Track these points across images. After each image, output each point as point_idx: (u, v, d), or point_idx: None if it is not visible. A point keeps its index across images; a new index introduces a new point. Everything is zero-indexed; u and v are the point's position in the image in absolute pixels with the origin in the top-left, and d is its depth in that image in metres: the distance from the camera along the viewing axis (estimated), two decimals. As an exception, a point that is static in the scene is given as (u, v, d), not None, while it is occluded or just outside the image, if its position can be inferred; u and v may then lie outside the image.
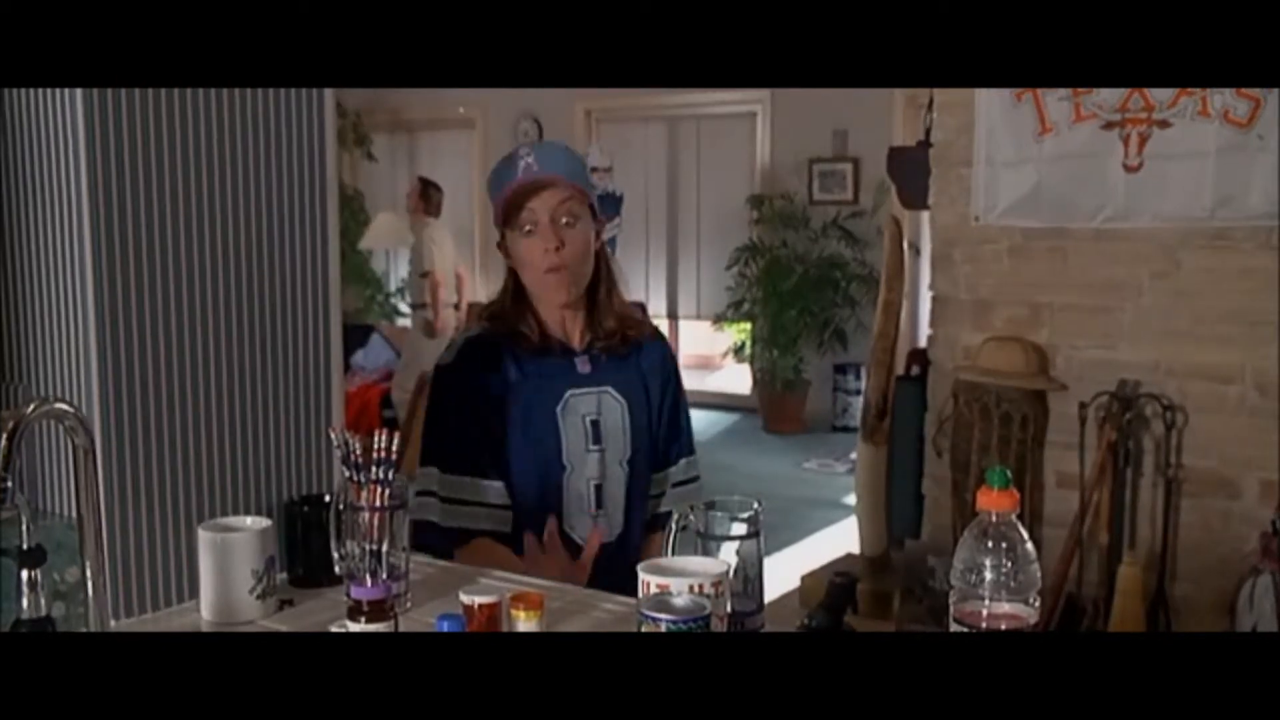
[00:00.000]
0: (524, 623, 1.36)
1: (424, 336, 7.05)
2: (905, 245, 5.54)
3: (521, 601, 1.37)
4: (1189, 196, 3.26)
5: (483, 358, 1.88)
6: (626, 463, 1.92)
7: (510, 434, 1.88)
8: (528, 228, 1.83)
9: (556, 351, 1.90)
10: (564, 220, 1.83)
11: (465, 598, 1.40)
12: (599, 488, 1.89)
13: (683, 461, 2.03)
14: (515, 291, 1.91)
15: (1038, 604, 1.10)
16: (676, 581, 1.25)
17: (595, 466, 1.89)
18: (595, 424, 1.90)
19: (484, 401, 1.87)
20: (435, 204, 7.27)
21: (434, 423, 1.93)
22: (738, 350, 8.18)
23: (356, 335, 7.75)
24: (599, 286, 1.92)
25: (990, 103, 3.58)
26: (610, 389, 1.92)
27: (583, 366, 1.92)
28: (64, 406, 1.30)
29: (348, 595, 1.45)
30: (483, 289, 8.90)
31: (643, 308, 2.09)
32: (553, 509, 1.84)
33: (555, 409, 1.88)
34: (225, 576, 1.48)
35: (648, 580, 1.27)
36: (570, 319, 1.91)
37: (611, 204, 7.76)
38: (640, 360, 1.97)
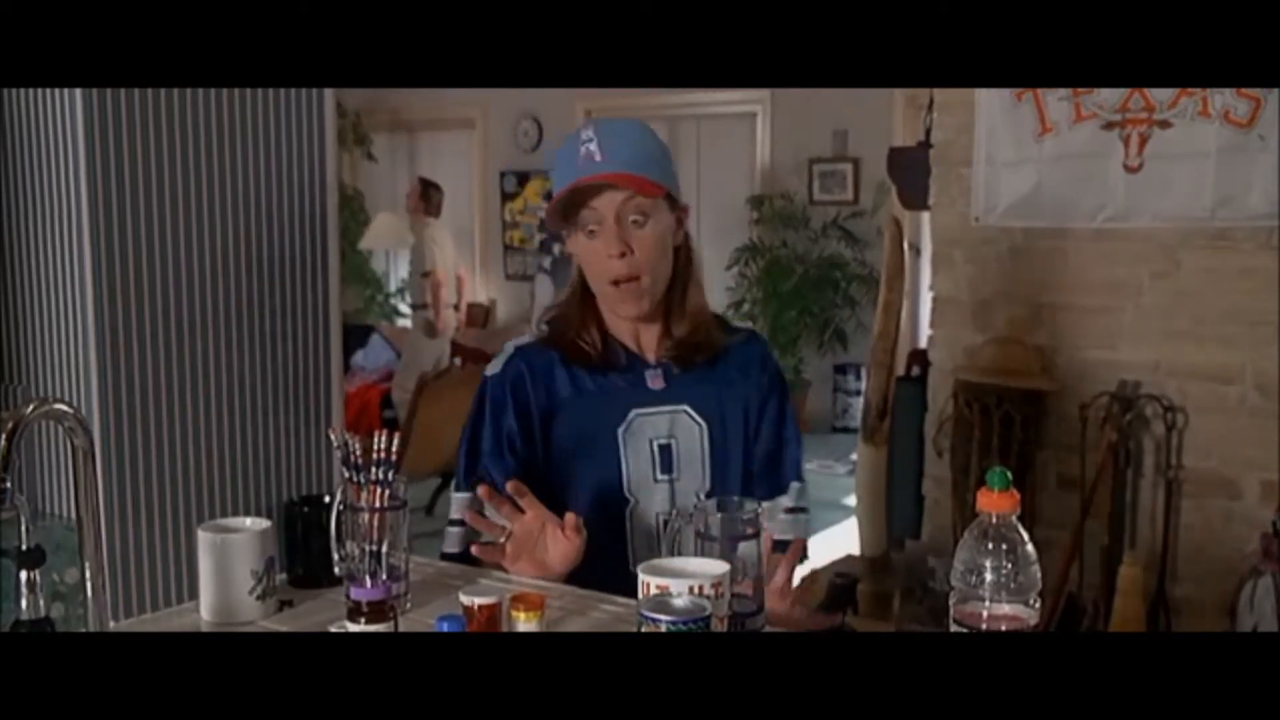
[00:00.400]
0: (524, 623, 1.35)
1: (425, 337, 7.06)
2: (905, 245, 5.55)
3: (521, 602, 1.37)
4: (1189, 197, 3.26)
5: (532, 368, 1.66)
6: (703, 495, 1.64)
7: (563, 459, 1.65)
8: (590, 228, 1.59)
9: (622, 365, 1.66)
10: (632, 219, 1.57)
11: (465, 598, 1.40)
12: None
13: (794, 487, 1.71)
14: (583, 293, 1.66)
15: (1038, 605, 1.10)
16: (676, 582, 1.25)
17: (665, 499, 1.64)
18: (665, 449, 1.65)
19: (531, 419, 1.65)
20: (435, 204, 7.28)
21: (471, 439, 1.68)
22: (738, 350, 8.17)
23: (356, 335, 7.75)
24: (677, 286, 1.66)
25: (990, 103, 3.57)
26: (687, 408, 1.66)
27: (654, 382, 1.66)
28: (63, 407, 1.30)
29: (347, 596, 1.45)
30: (483, 290, 8.91)
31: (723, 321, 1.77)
32: (616, 548, 1.61)
33: (617, 430, 1.64)
34: (225, 577, 1.48)
35: (647, 581, 1.26)
36: (643, 328, 1.67)
37: (612, 204, 7.76)
38: (729, 369, 1.69)
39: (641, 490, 1.63)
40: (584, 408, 1.65)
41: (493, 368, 1.69)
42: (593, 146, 1.56)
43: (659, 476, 1.65)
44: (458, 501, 1.67)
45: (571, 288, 1.69)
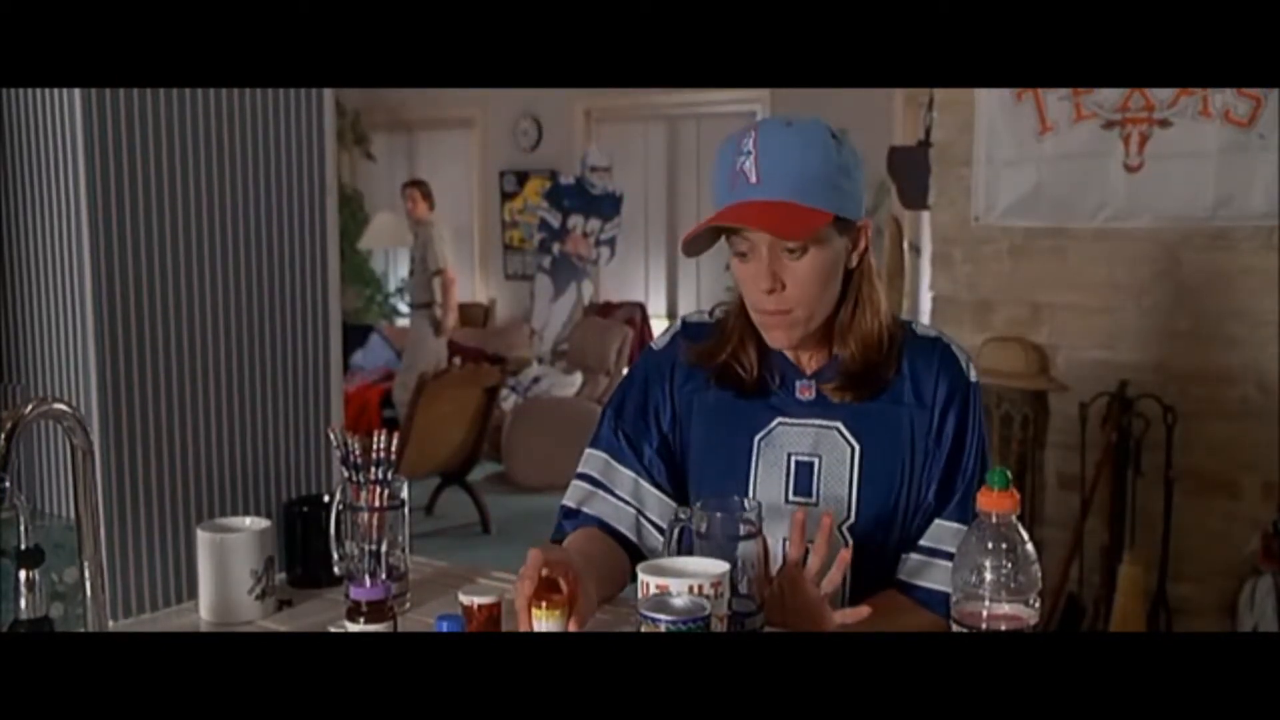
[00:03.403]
0: (545, 622, 1.31)
1: (431, 335, 7.05)
2: (905, 245, 5.54)
3: (543, 599, 1.32)
4: (1190, 196, 3.26)
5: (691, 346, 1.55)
6: (846, 529, 1.45)
7: (696, 456, 1.54)
8: (742, 250, 1.42)
9: (773, 380, 1.50)
10: (787, 248, 1.39)
11: (465, 598, 1.40)
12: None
13: (948, 527, 1.45)
14: (743, 303, 1.49)
15: (1038, 605, 1.10)
16: (676, 582, 1.24)
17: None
18: (805, 468, 1.46)
19: (676, 402, 1.54)
20: (433, 202, 7.31)
21: (619, 405, 1.57)
22: (738, 350, 8.16)
23: (356, 335, 7.75)
24: (846, 309, 1.46)
25: (990, 102, 3.57)
26: (840, 425, 1.46)
27: (804, 392, 1.48)
28: (62, 407, 1.30)
29: (347, 596, 1.44)
30: (482, 290, 8.90)
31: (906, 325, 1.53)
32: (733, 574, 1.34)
33: (755, 437, 1.48)
34: (224, 577, 1.48)
35: (647, 581, 1.26)
36: (801, 349, 1.50)
37: (611, 204, 7.77)
38: (901, 384, 1.47)
39: (768, 513, 1.39)
40: (725, 405, 1.51)
41: (658, 341, 1.59)
42: (749, 164, 1.37)
43: (792, 498, 1.46)
44: (589, 457, 1.57)
45: (738, 297, 1.51)
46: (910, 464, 1.46)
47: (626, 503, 1.55)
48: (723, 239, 1.44)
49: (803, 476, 1.46)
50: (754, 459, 1.48)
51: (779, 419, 1.48)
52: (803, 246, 1.39)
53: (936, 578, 1.45)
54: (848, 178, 1.43)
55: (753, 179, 1.37)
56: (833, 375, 1.48)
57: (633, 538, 1.55)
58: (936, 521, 1.47)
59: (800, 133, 1.40)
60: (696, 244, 1.44)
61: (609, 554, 1.52)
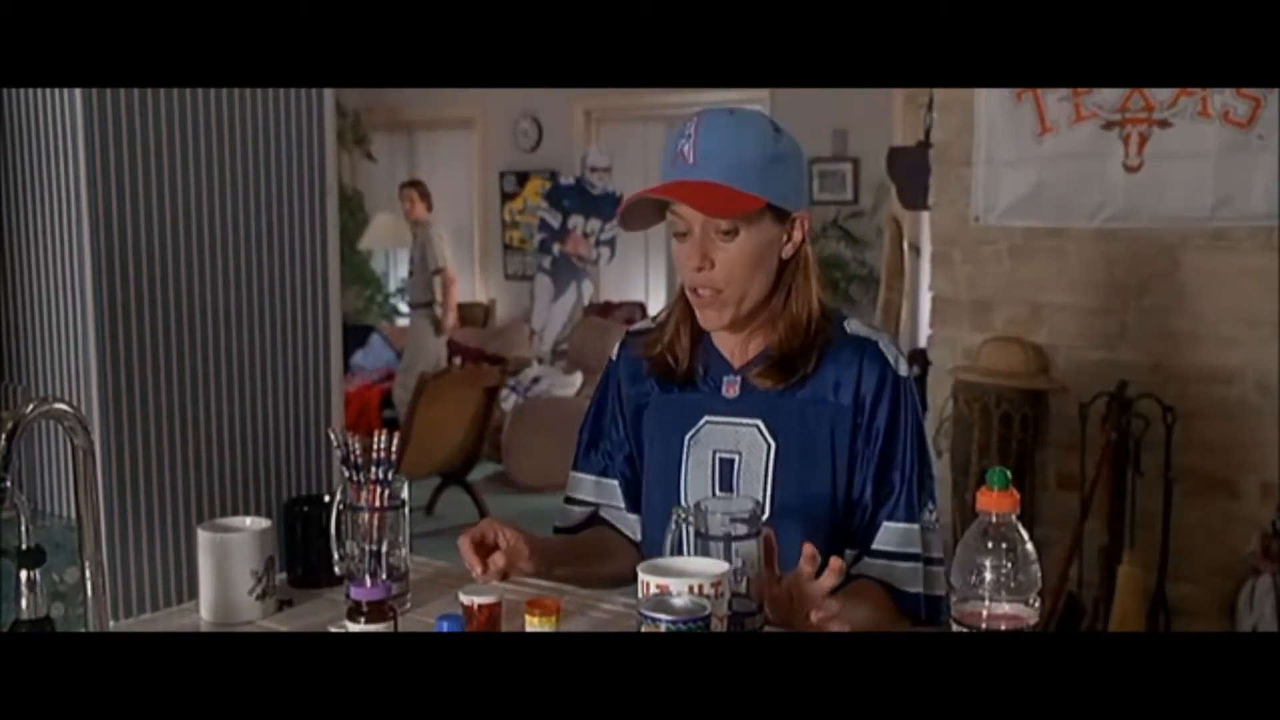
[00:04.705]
0: (539, 629, 1.34)
1: (431, 334, 7.05)
2: (905, 245, 5.54)
3: (538, 607, 1.35)
4: (1189, 196, 3.26)
5: (629, 359, 1.62)
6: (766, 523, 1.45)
7: (646, 458, 1.60)
8: (679, 230, 1.47)
9: (701, 377, 1.55)
10: (720, 229, 1.43)
11: (465, 598, 1.40)
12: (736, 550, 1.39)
13: (894, 528, 1.48)
14: (684, 289, 1.54)
15: (1038, 604, 1.10)
16: (676, 582, 1.25)
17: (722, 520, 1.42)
18: (728, 464, 1.50)
19: (627, 410, 1.62)
20: (431, 202, 7.31)
21: (593, 423, 1.66)
22: (737, 350, 8.16)
23: (356, 335, 7.75)
24: (779, 295, 1.50)
25: (990, 103, 3.57)
26: (759, 423, 1.50)
27: (729, 389, 1.52)
28: (63, 407, 1.30)
29: (347, 596, 1.45)
30: (482, 290, 8.90)
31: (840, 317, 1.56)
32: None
33: (685, 436, 1.53)
34: (224, 577, 1.48)
35: (647, 581, 1.26)
36: (732, 334, 1.54)
37: (611, 204, 7.77)
38: (823, 384, 1.49)
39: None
40: (663, 406, 1.57)
41: (614, 353, 1.65)
42: (687, 146, 1.42)
43: (718, 494, 1.51)
44: (574, 480, 1.66)
45: (681, 286, 1.55)
46: (832, 463, 1.49)
47: (620, 509, 1.65)
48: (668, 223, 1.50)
49: (725, 472, 1.51)
50: (684, 458, 1.54)
51: (706, 418, 1.53)
52: (734, 228, 1.43)
53: (877, 572, 1.49)
54: (784, 167, 1.46)
55: (690, 160, 1.42)
56: (760, 363, 1.52)
57: (629, 534, 1.65)
58: (885, 524, 1.49)
59: (740, 121, 1.46)
60: (633, 218, 1.50)
61: (609, 535, 1.64)
